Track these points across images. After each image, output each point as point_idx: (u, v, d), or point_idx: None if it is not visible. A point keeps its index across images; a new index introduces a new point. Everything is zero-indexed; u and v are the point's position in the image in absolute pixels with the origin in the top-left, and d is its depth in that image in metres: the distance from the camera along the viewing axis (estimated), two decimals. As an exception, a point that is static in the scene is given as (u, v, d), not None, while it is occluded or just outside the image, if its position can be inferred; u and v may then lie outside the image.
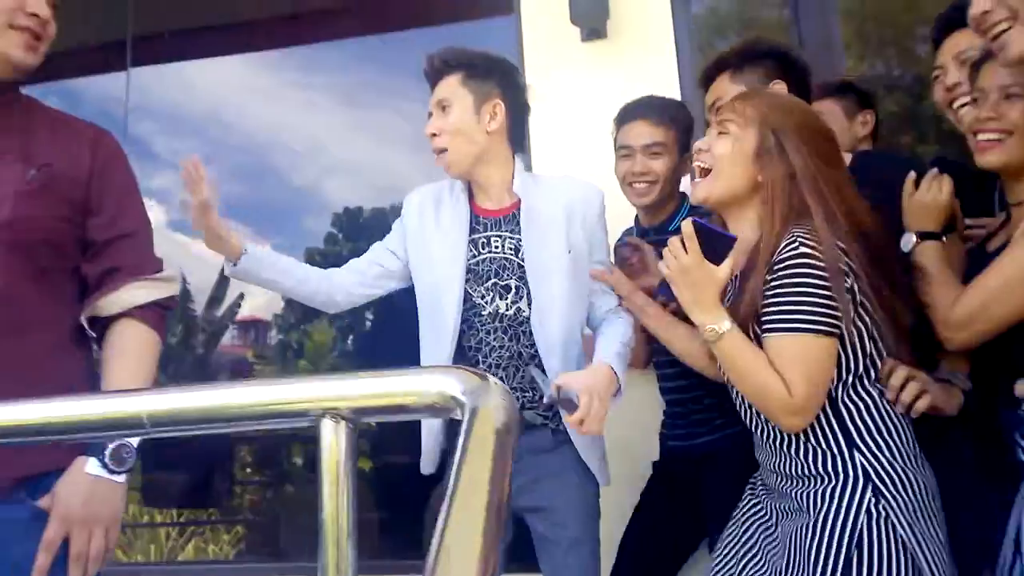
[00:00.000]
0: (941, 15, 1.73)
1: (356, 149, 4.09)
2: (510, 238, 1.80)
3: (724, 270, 1.40)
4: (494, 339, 1.78)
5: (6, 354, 1.26)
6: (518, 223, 1.80)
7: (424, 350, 1.85)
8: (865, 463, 1.34)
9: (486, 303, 1.79)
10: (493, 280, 1.79)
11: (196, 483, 3.94)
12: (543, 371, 1.73)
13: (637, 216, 2.14)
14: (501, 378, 1.75)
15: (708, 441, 1.95)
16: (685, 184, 1.98)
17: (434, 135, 1.78)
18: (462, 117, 1.76)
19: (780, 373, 1.34)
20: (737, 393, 1.51)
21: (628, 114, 2.04)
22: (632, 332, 1.82)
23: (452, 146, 1.77)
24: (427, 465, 1.84)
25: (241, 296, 4.34)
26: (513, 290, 1.78)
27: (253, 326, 4.58)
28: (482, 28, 3.34)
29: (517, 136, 1.86)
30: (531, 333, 1.77)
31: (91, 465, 1.21)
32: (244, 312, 4.41)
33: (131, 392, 0.73)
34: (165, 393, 0.76)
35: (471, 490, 0.60)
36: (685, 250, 1.40)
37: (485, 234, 1.82)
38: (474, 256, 1.81)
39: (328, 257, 4.09)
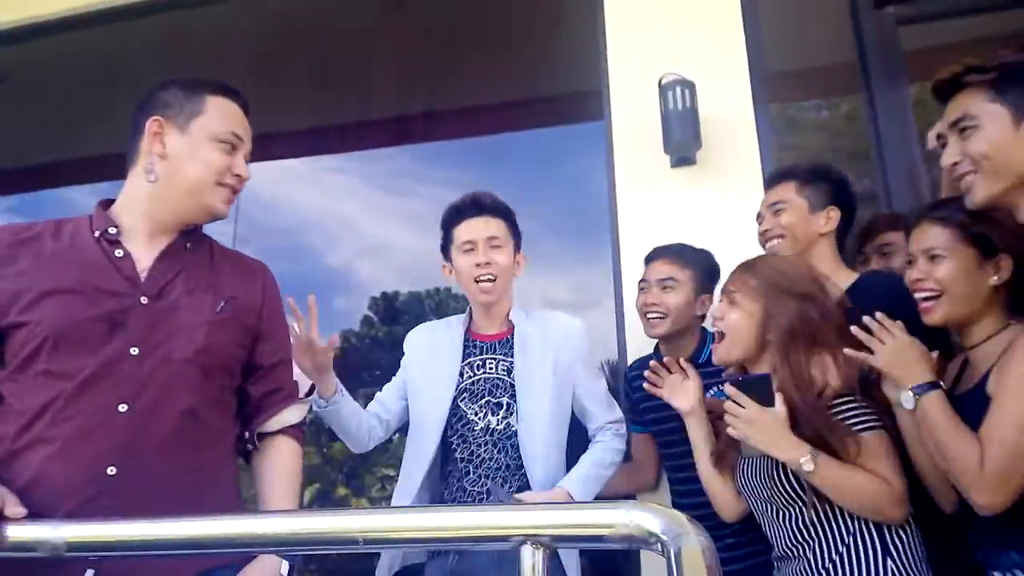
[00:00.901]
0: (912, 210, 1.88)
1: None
2: (503, 360, 2.03)
3: (780, 406, 1.56)
4: (484, 451, 1.97)
5: (196, 467, 1.40)
6: (511, 347, 2.04)
7: (406, 464, 2.05)
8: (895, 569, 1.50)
9: (479, 419, 1.99)
10: (487, 398, 2.01)
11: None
12: (506, 488, 1.91)
13: (658, 347, 2.25)
14: (488, 489, 1.95)
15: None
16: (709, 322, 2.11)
17: (487, 264, 2.02)
18: (508, 260, 2.05)
19: (876, 470, 1.52)
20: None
21: (651, 254, 2.25)
22: (612, 456, 2.00)
23: (500, 279, 2.03)
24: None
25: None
26: (504, 407, 1.99)
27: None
28: (571, 133, 3.54)
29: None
30: (518, 446, 1.95)
31: (284, 567, 1.32)
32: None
33: (350, 511, 0.80)
34: (379, 514, 0.83)
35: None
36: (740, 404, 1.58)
37: (481, 356, 2.06)
38: (471, 376, 2.03)
39: (363, 339, 4.17)
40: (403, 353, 2.19)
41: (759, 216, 2.09)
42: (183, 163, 1.47)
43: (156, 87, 1.55)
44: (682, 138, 2.48)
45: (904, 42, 2.68)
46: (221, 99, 1.53)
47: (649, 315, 2.15)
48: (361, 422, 2.03)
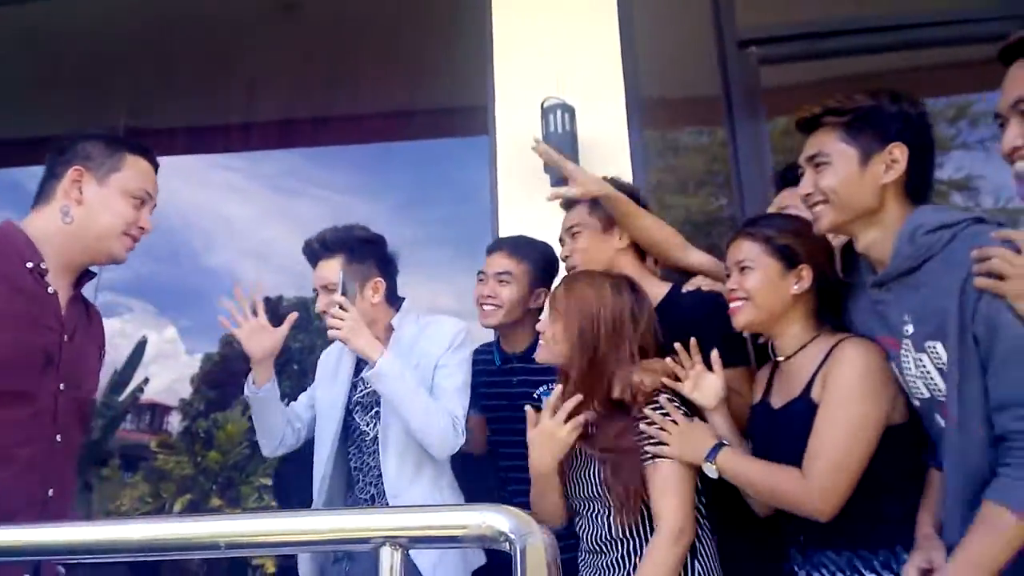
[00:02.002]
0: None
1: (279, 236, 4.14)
2: None
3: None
4: (372, 460, 2.03)
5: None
6: None
7: (315, 470, 2.12)
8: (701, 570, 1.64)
9: (370, 429, 2.06)
10: (376, 409, 2.06)
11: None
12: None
13: (498, 340, 2.35)
14: (372, 495, 2.02)
15: None
16: None
17: (325, 312, 1.99)
18: (349, 299, 1.99)
19: (656, 502, 1.65)
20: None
21: (491, 245, 2.34)
22: (437, 418, 1.94)
23: (346, 324, 1.92)
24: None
25: (146, 380, 4.16)
26: (380, 407, 2.04)
27: (156, 411, 4.39)
28: (457, 145, 3.61)
29: (392, 297, 2.16)
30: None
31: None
32: (149, 396, 4.24)
33: (210, 516, 0.83)
34: (241, 519, 0.86)
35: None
36: None
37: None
38: (363, 389, 2.09)
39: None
40: (287, 361, 2.20)
41: (561, 240, 2.15)
42: (97, 212, 1.63)
43: (80, 137, 1.69)
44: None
45: (765, 80, 2.91)
46: (138, 158, 1.71)
47: (484, 306, 2.22)
48: (281, 420, 2.10)
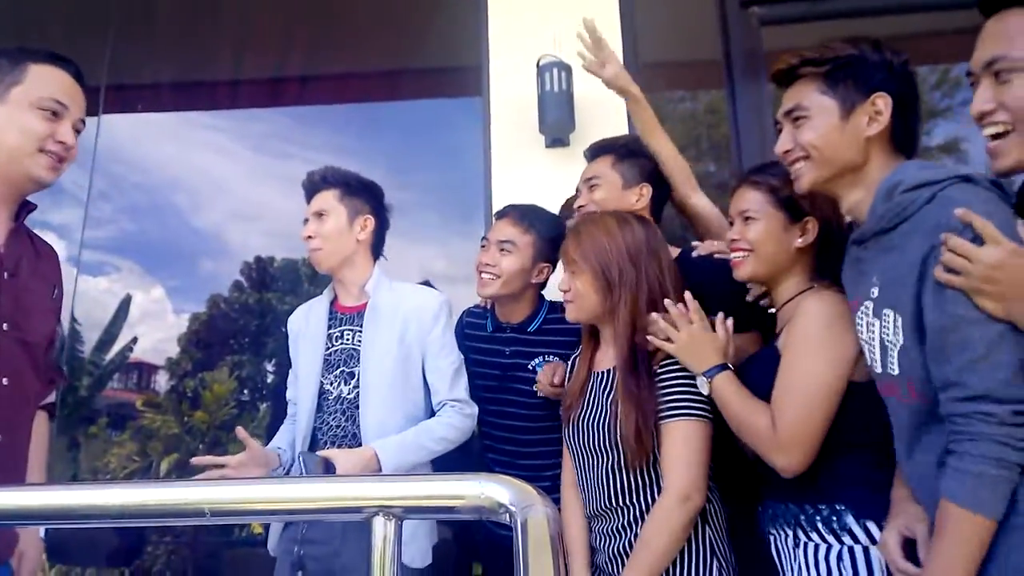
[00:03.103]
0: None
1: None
2: (359, 332, 2.04)
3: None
4: (333, 420, 2.01)
5: (27, 438, 1.60)
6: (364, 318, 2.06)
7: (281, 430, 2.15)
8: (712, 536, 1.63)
9: (333, 388, 2.02)
10: (341, 368, 2.04)
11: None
12: (316, 454, 1.91)
13: (492, 308, 2.26)
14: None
15: None
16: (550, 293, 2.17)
17: (310, 237, 2.04)
18: (336, 226, 2.04)
19: (668, 456, 1.63)
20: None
21: (500, 211, 2.24)
22: (445, 431, 1.97)
23: (325, 248, 2.04)
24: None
25: (134, 339, 4.15)
26: (356, 377, 2.00)
27: (144, 370, 4.37)
28: (449, 106, 3.53)
29: (378, 247, 2.15)
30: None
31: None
32: (136, 355, 4.22)
33: (198, 482, 0.80)
34: (229, 485, 0.83)
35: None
36: None
37: (339, 328, 2.09)
38: (328, 347, 2.07)
39: (233, 305, 4.03)
40: (278, 325, 2.17)
41: (577, 190, 2.10)
42: (2, 131, 1.50)
43: None
44: (557, 120, 2.54)
45: (766, 42, 2.85)
46: (45, 67, 1.54)
47: (483, 274, 2.13)
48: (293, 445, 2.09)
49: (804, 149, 1.45)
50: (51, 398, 1.79)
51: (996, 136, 1.28)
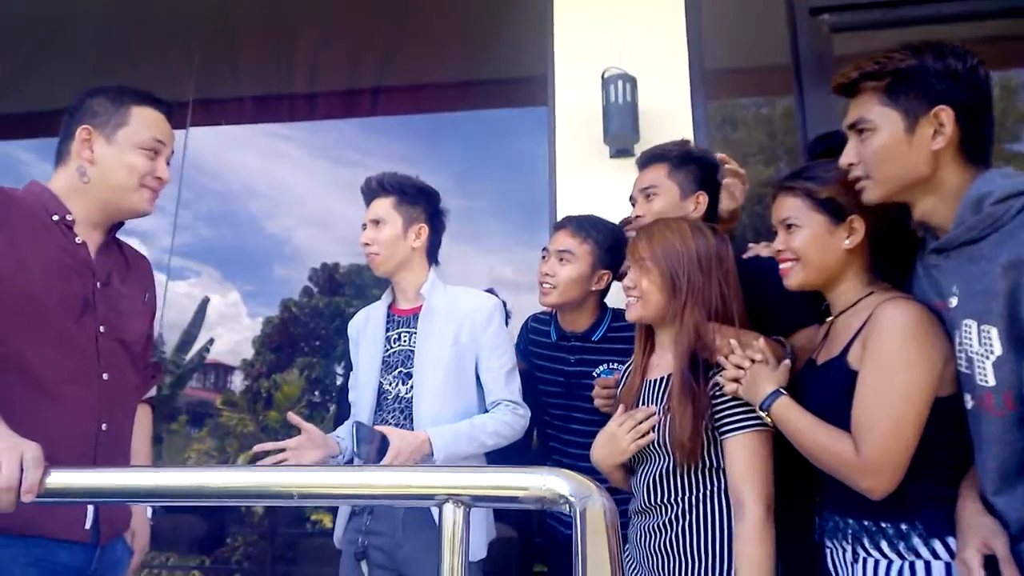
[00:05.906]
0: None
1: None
2: (415, 333, 2.12)
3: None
4: (392, 418, 2.07)
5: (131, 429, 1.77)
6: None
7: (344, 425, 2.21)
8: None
9: (392, 388, 2.10)
10: (400, 368, 2.11)
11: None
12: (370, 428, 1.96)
13: (556, 316, 2.30)
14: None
15: None
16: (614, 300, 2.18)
17: (367, 244, 2.14)
18: (392, 234, 2.13)
19: (732, 472, 1.62)
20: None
21: (559, 222, 2.27)
22: (498, 426, 2.02)
23: (382, 254, 2.14)
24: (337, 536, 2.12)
25: (211, 341, 4.34)
26: (413, 377, 2.08)
27: (220, 371, 4.57)
28: (516, 116, 3.61)
29: (433, 251, 2.23)
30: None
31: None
32: (213, 356, 4.42)
33: (287, 468, 0.87)
34: (315, 471, 0.90)
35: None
36: None
37: (397, 330, 2.16)
38: (387, 349, 2.14)
39: (303, 308, 4.18)
40: (340, 325, 2.26)
41: (632, 199, 2.08)
42: (110, 169, 1.66)
43: (84, 93, 1.71)
44: (621, 130, 2.57)
45: (837, 48, 2.82)
46: (146, 109, 1.71)
47: (543, 284, 2.18)
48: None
49: (868, 163, 1.43)
50: (152, 392, 1.95)
51: None
